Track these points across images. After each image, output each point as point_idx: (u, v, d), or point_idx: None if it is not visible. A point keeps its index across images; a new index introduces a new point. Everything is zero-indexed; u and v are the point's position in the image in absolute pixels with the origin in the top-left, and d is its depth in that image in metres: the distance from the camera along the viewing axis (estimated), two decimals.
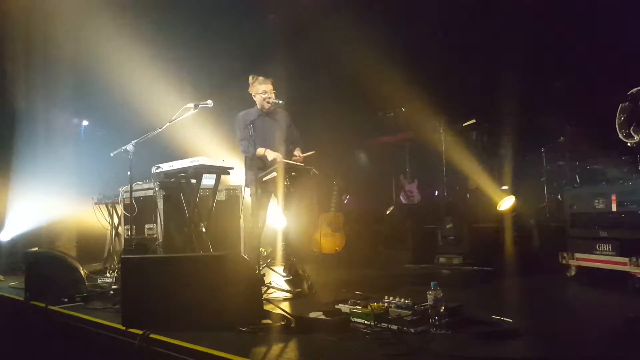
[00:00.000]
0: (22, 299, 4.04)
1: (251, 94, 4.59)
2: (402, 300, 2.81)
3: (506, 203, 5.74)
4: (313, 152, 4.41)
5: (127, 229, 5.06)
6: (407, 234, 6.17)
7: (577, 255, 4.08)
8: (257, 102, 4.57)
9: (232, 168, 4.30)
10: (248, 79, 4.63)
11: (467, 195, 6.41)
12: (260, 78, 4.55)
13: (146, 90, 6.99)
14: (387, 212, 6.76)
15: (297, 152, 4.43)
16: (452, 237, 5.67)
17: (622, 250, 3.68)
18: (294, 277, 4.28)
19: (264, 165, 4.27)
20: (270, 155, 4.32)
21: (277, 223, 4.64)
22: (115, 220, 5.58)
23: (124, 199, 5.07)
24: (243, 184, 4.53)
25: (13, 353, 3.93)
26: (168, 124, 4.24)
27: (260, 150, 4.31)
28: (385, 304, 2.80)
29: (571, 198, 4.36)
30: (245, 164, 4.43)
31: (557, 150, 5.82)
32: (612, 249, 3.77)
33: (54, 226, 6.38)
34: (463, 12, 5.88)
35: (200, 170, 4.16)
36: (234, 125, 4.58)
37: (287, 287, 4.01)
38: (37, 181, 6.25)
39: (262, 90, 4.52)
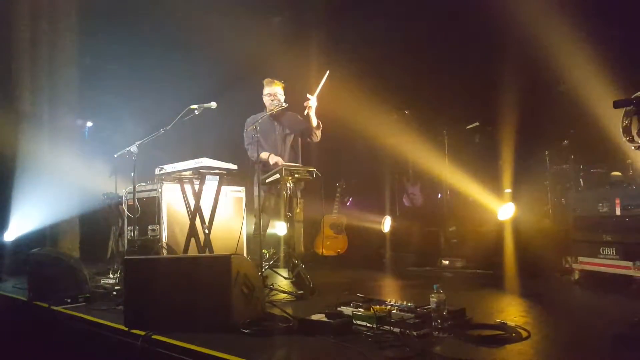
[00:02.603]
0: (25, 299, 4.05)
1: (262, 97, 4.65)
2: (405, 303, 2.81)
3: (505, 212, 5.43)
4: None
5: (131, 230, 5.08)
6: (410, 237, 6.15)
7: (581, 259, 4.06)
8: (266, 105, 4.62)
9: (236, 169, 4.32)
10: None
11: (470, 198, 6.38)
12: (271, 81, 4.60)
13: (151, 92, 7.03)
14: (386, 231, 6.53)
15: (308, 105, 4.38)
16: (455, 240, 5.65)
17: (626, 254, 3.66)
18: (297, 279, 4.28)
19: (267, 169, 4.30)
20: (272, 159, 4.35)
21: (279, 225, 4.65)
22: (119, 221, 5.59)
23: (127, 199, 5.08)
24: (247, 186, 4.55)
25: (16, 353, 3.94)
26: (172, 125, 4.26)
27: (264, 155, 4.35)
28: (388, 307, 2.79)
29: (575, 201, 4.35)
30: (250, 167, 4.47)
31: (561, 153, 5.79)
32: (616, 252, 3.75)
33: (57, 227, 6.40)
34: (463, 12, 5.87)
35: (203, 172, 4.17)
36: (240, 128, 4.63)
37: (289, 289, 4.01)
38: (41, 182, 6.27)
39: (267, 93, 4.56)
